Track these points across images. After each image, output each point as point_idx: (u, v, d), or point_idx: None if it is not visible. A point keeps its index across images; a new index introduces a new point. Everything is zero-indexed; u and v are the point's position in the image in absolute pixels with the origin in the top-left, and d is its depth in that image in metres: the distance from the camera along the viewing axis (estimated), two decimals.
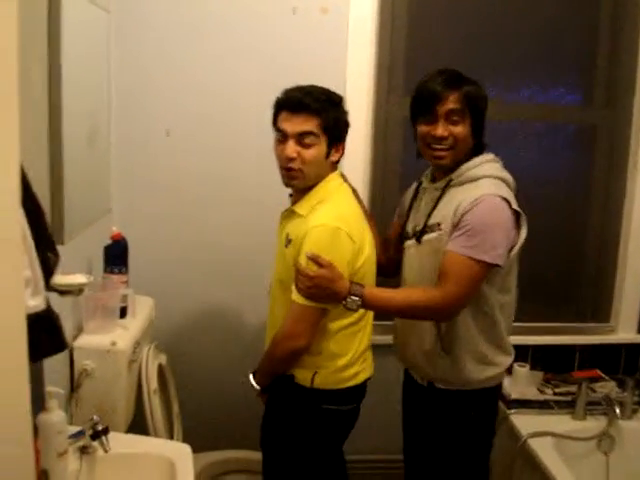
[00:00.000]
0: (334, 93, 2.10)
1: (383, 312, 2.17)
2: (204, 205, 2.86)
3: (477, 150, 2.12)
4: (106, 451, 1.83)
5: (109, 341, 2.18)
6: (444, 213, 2.07)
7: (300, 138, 2.02)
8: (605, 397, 2.84)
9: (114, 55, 2.63)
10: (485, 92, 2.11)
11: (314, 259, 1.92)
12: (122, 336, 2.23)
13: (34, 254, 1.17)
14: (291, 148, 2.02)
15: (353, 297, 1.95)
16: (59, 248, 1.49)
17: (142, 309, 2.49)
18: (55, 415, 1.73)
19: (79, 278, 1.75)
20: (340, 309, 2.01)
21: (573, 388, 2.91)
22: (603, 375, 3.07)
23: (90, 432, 1.83)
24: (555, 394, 2.94)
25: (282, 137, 2.06)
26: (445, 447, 2.23)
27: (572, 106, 3.16)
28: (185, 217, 2.86)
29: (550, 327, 3.15)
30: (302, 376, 2.09)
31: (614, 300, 3.19)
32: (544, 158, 3.15)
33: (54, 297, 1.65)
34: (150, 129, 2.78)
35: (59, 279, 1.73)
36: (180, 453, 1.95)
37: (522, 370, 2.95)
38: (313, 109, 2.01)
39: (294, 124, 2.02)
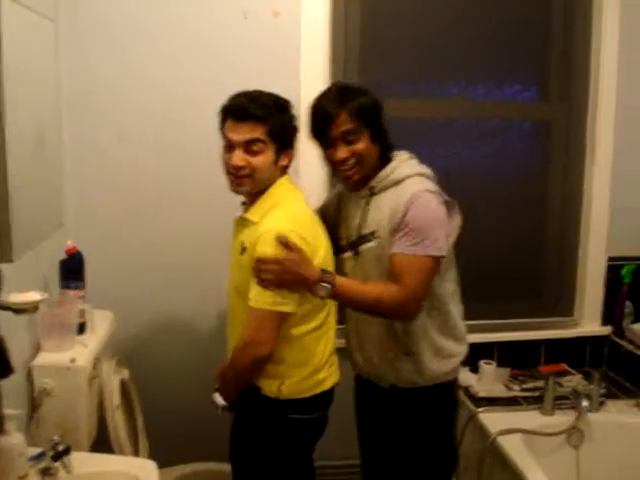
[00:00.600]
0: (281, 98, 2.08)
1: (349, 304, 2.17)
2: (159, 211, 2.81)
3: (386, 152, 2.13)
4: (68, 472, 1.79)
5: (68, 358, 2.13)
6: (377, 219, 2.10)
7: (247, 146, 2.00)
8: (572, 391, 2.86)
9: (63, 62, 2.57)
10: (375, 97, 2.09)
11: (283, 242, 1.91)
12: (81, 353, 2.19)
13: None
14: (238, 157, 2.00)
15: (323, 284, 1.95)
16: (8, 266, 1.44)
17: (101, 323, 2.45)
18: (14, 437, 1.70)
19: (33, 295, 1.72)
20: (301, 313, 2.01)
21: (540, 383, 2.92)
22: (569, 369, 3.10)
23: (51, 453, 1.79)
24: (522, 390, 2.94)
25: (229, 145, 2.03)
26: (416, 445, 2.24)
27: (528, 103, 3.17)
28: (141, 225, 2.81)
29: (514, 323, 3.17)
30: (268, 387, 2.06)
31: (577, 294, 3.22)
32: (501, 155, 3.15)
33: (9, 316, 1.60)
34: (101, 134, 2.73)
35: (13, 297, 1.68)
36: (146, 470, 1.93)
37: (489, 367, 2.95)
38: (259, 116, 1.98)
39: (240, 133, 2.00)
